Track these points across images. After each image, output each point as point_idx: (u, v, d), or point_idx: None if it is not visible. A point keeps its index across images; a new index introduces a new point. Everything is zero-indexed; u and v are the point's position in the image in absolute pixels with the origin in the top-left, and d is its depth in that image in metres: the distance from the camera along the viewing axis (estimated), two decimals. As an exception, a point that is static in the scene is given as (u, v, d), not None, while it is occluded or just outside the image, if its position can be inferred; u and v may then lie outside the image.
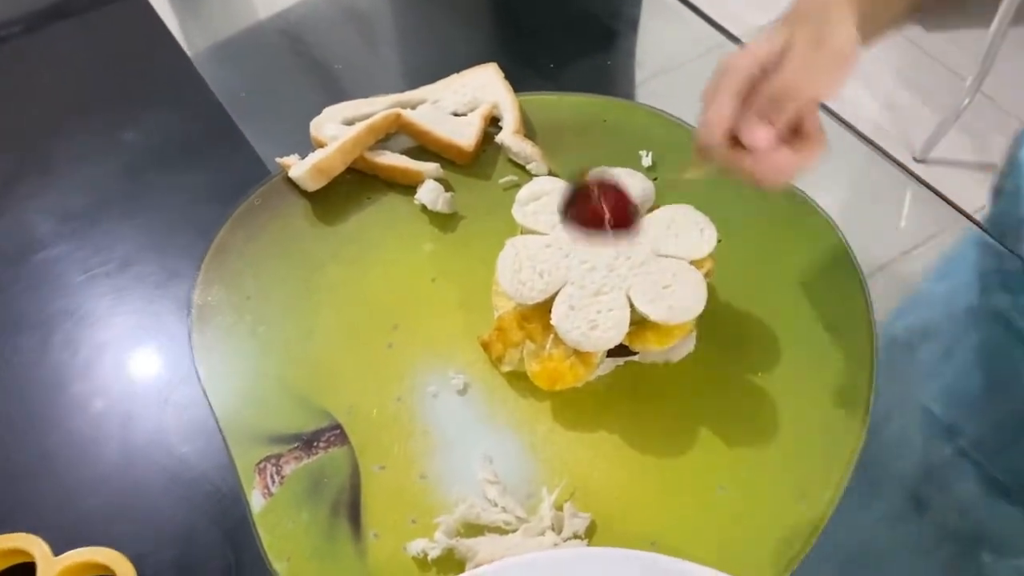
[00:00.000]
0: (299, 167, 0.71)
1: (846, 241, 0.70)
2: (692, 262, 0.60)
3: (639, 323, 0.59)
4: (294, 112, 0.75)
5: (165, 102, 0.81)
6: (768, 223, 0.71)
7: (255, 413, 0.60)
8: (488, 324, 0.60)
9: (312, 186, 0.70)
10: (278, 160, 0.73)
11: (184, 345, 0.64)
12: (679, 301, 0.57)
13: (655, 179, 0.73)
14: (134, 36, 0.88)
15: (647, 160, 0.75)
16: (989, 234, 0.68)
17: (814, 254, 0.69)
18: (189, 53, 0.85)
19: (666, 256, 0.60)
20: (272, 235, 0.70)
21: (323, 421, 0.60)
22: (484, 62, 0.78)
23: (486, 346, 0.62)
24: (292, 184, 0.71)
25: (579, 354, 0.58)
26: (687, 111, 0.76)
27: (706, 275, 0.61)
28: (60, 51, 0.87)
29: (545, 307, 0.57)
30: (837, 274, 0.67)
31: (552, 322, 0.57)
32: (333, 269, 0.68)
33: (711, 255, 0.61)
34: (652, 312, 0.57)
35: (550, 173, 0.72)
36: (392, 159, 0.71)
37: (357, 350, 0.63)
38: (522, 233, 0.63)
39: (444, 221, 0.70)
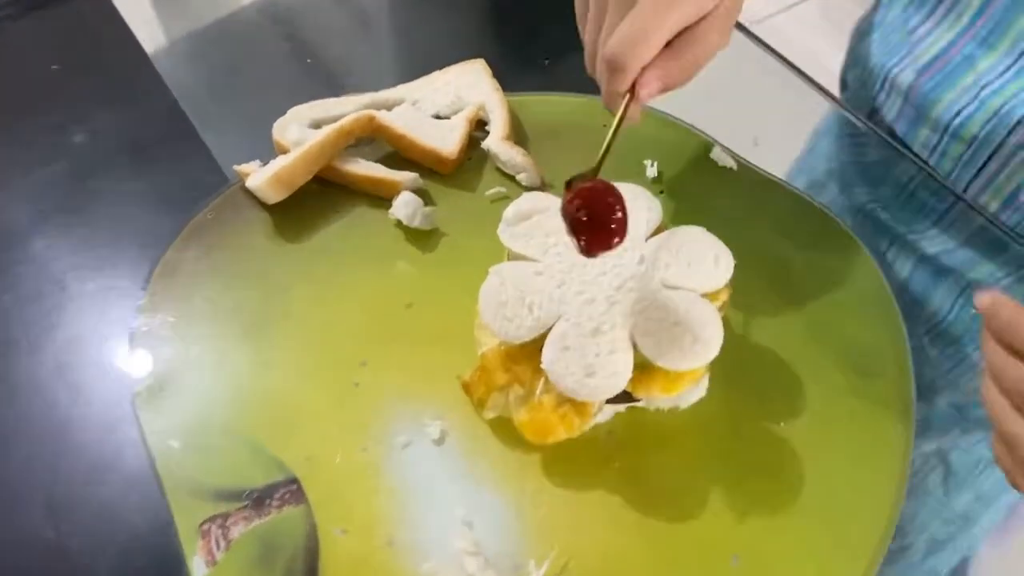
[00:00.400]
0: (257, 176, 0.63)
1: (877, 264, 0.61)
2: (705, 294, 0.52)
3: (644, 366, 0.50)
4: (258, 113, 0.68)
5: (118, 100, 0.74)
6: (788, 243, 0.62)
7: (199, 463, 0.53)
8: (471, 360, 0.53)
9: (272, 198, 0.63)
10: (235, 168, 0.66)
11: (124, 380, 0.57)
12: (690, 343, 0.49)
13: (661, 192, 0.66)
14: (87, 29, 0.80)
15: (652, 170, 0.67)
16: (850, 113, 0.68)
17: (842, 280, 0.61)
18: (146, 48, 0.78)
19: (675, 288, 0.52)
20: (226, 254, 0.62)
21: (277, 474, 0.52)
22: (470, 58, 0.71)
23: (467, 388, 0.54)
24: (251, 195, 0.64)
25: (574, 402, 0.50)
26: (697, 114, 0.69)
27: (720, 308, 0.53)
28: (6, 45, 0.80)
29: (535, 346, 0.50)
30: (868, 305, 0.60)
31: (543, 366, 0.49)
32: (294, 294, 0.60)
33: (727, 286, 0.53)
34: (659, 357, 0.49)
35: (543, 185, 0.65)
36: (364, 168, 0.65)
37: (319, 390, 0.56)
38: (509, 258, 0.55)
39: (422, 239, 0.63)
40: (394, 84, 0.70)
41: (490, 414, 0.53)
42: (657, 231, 0.55)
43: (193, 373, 0.57)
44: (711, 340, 0.49)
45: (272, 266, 0.62)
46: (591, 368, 0.49)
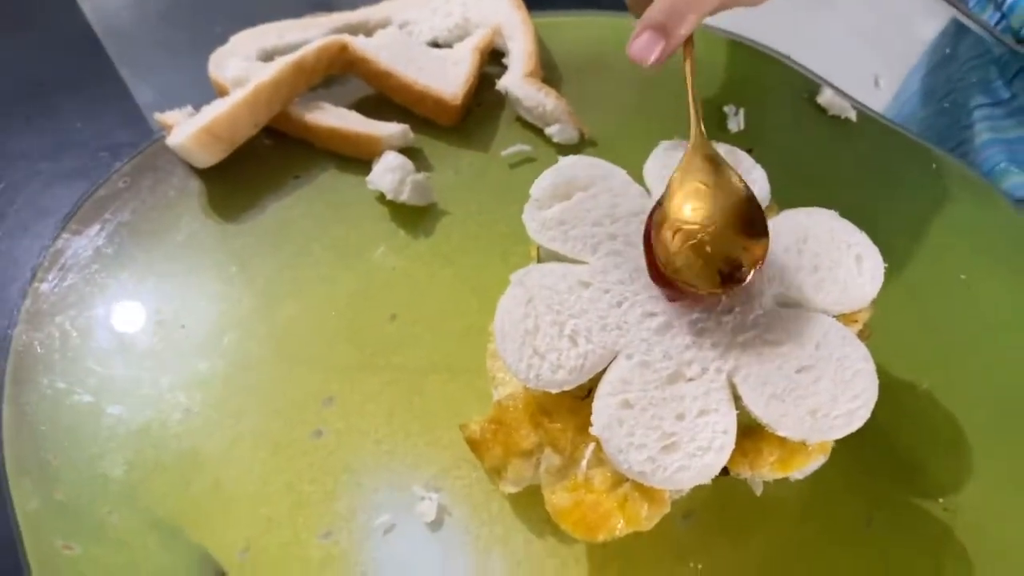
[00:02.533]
0: (182, 130, 0.48)
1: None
2: (841, 316, 0.35)
3: (750, 431, 0.35)
4: (196, 44, 0.55)
5: (12, 26, 0.62)
6: (941, 232, 0.46)
7: (88, 555, 0.38)
8: (481, 401, 0.41)
9: (204, 160, 0.50)
10: (157, 117, 0.52)
11: None
12: (827, 400, 0.32)
13: (750, 150, 0.48)
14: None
15: (736, 121, 0.52)
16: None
17: (1017, 282, 0.45)
18: None
19: (797, 306, 0.35)
20: (141, 239, 0.48)
21: (199, 572, 0.38)
22: None
23: (475, 446, 0.38)
24: (179, 156, 0.51)
25: (640, 484, 0.33)
26: (787, 39, 0.55)
27: (862, 334, 0.37)
28: None
29: (579, 393, 0.36)
30: None
31: (594, 431, 0.34)
32: (232, 300, 0.46)
33: (873, 301, 0.36)
34: (778, 422, 0.32)
35: (583, 142, 0.52)
36: (333, 117, 0.52)
37: (262, 445, 0.41)
38: (540, 259, 0.39)
39: (413, 219, 0.50)
40: (377, 1, 0.57)
41: (510, 488, 0.38)
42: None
43: (84, 416, 0.42)
44: (861, 396, 0.33)
45: (202, 257, 0.48)
46: (670, 438, 0.33)
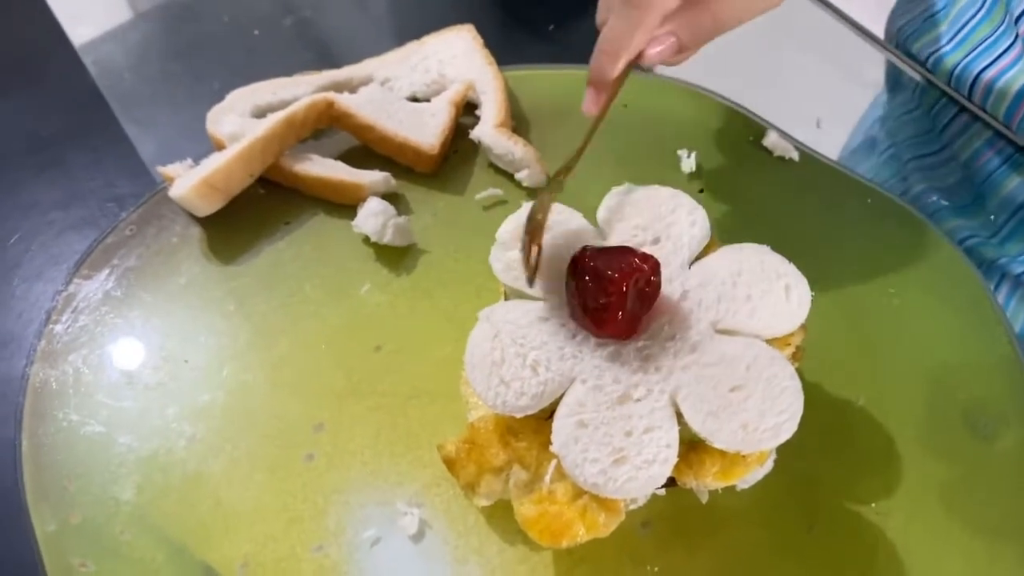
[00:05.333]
0: (183, 182, 0.50)
1: (987, 288, 0.47)
2: (772, 340, 0.38)
3: (693, 444, 0.38)
4: (198, 100, 0.57)
5: (23, 84, 0.63)
6: (874, 262, 0.50)
7: (103, 570, 0.41)
8: (459, 422, 0.42)
9: (203, 209, 0.52)
10: (160, 170, 0.54)
11: (7, 449, 0.45)
12: (757, 415, 0.36)
13: (701, 191, 0.52)
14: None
15: (688, 163, 0.54)
16: None
17: (947, 314, 0.48)
18: (61, 21, 0.67)
19: (732, 333, 0.39)
20: (146, 282, 0.51)
21: None
22: (457, 23, 0.60)
23: (451, 465, 0.41)
24: (180, 206, 0.53)
25: (596, 495, 0.37)
26: (738, 87, 0.57)
27: (793, 357, 0.40)
28: None
29: (543, 414, 0.38)
30: (982, 345, 0.46)
31: (554, 449, 0.37)
32: (230, 336, 0.49)
33: (803, 326, 0.39)
34: (714, 435, 0.36)
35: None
36: (321, 167, 0.54)
37: (259, 467, 0.44)
38: (507, 296, 0.42)
39: (395, 259, 0.52)
40: (360, 59, 0.59)
41: (483, 501, 0.41)
42: (703, 252, 0.41)
43: (95, 451, 0.45)
44: (787, 411, 0.36)
45: (202, 297, 0.50)
46: (620, 452, 0.36)
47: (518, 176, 0.54)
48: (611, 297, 0.36)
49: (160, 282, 0.50)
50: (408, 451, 0.44)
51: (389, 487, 0.43)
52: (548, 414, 0.38)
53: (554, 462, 0.38)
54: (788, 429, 0.36)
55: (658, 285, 0.38)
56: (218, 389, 0.46)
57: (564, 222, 0.41)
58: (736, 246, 0.41)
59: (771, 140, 0.54)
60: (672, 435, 0.36)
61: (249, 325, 0.49)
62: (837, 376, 0.45)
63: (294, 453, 0.44)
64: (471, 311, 0.41)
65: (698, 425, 0.36)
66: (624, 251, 0.38)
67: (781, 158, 0.54)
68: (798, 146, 0.54)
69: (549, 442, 0.37)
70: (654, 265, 0.37)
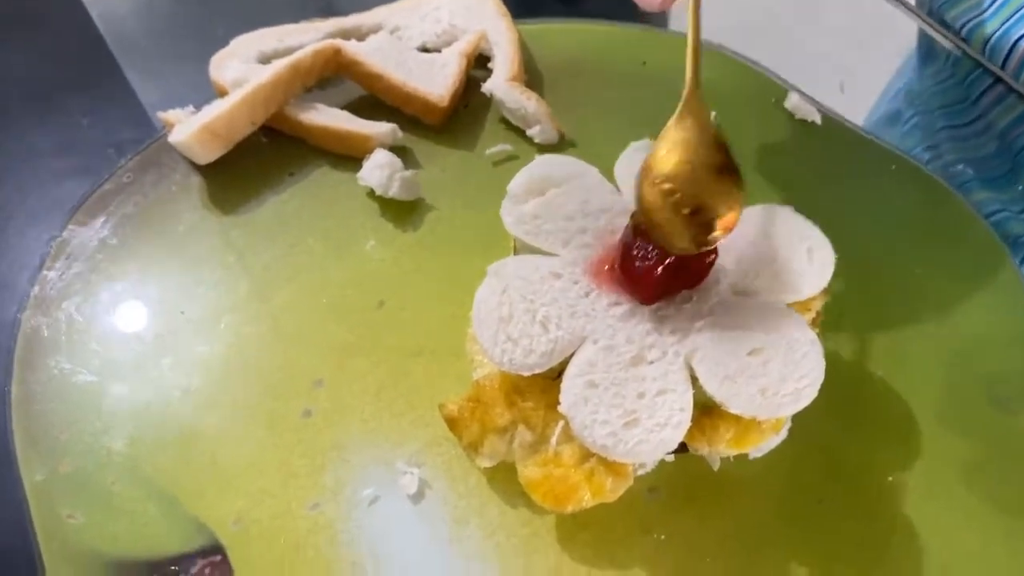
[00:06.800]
0: (183, 128, 0.49)
1: (1013, 263, 0.46)
2: (793, 304, 0.37)
3: (707, 409, 0.37)
4: (199, 48, 0.55)
5: (25, 30, 0.62)
6: (895, 229, 0.48)
7: (92, 522, 0.40)
8: (463, 380, 0.41)
9: (204, 157, 0.50)
10: (160, 116, 0.52)
11: None
12: (776, 380, 0.35)
13: None
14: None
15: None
16: None
17: (971, 284, 0.47)
18: None
19: (751, 295, 0.37)
20: (143, 231, 0.49)
21: (195, 540, 0.40)
22: None
23: (453, 424, 0.40)
24: (181, 153, 0.51)
25: (604, 459, 0.35)
26: (761, 49, 0.55)
27: (813, 322, 0.39)
28: None
29: (550, 375, 0.37)
30: (1006, 317, 0.45)
31: (562, 409, 0.35)
32: (229, 287, 0.47)
33: (825, 290, 0.38)
34: (730, 400, 0.34)
35: (562, 142, 0.52)
36: (326, 117, 0.52)
37: (254, 422, 0.43)
38: (517, 251, 0.40)
39: (401, 213, 0.50)
40: (369, 7, 0.57)
41: (486, 462, 0.40)
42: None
43: (88, 397, 0.44)
44: (808, 376, 0.35)
45: (201, 248, 0.49)
46: (631, 414, 0.35)
47: (530, 132, 0.52)
48: (659, 262, 0.35)
49: (158, 231, 0.49)
50: (409, 409, 0.43)
51: (389, 446, 0.42)
52: (556, 374, 0.37)
53: (561, 423, 0.37)
54: (808, 395, 0.35)
55: (704, 273, 0.37)
56: (215, 341, 0.45)
57: (580, 175, 0.40)
58: (758, 207, 0.40)
59: (793, 102, 0.53)
60: (686, 399, 0.35)
61: (249, 277, 0.47)
62: (855, 345, 0.44)
63: (292, 408, 0.43)
64: (478, 269, 0.39)
65: (714, 389, 0.35)
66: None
67: (803, 121, 0.52)
68: (821, 109, 0.52)
69: (556, 403, 0.36)
70: (712, 260, 0.36)
